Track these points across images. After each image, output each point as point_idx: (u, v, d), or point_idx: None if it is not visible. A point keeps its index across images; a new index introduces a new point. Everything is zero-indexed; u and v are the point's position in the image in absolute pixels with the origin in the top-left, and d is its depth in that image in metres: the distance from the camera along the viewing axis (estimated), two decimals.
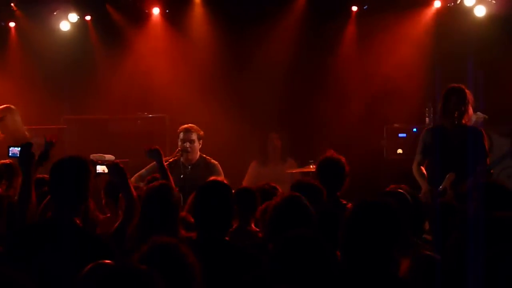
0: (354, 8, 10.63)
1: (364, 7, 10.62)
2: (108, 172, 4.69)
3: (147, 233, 4.40)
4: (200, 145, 7.79)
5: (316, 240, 3.49)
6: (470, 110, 7.12)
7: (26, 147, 4.68)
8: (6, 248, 4.20)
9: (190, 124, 7.85)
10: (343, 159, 6.05)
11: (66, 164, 4.33)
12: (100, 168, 5.25)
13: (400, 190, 4.92)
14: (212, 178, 5.62)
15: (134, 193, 4.62)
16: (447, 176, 6.89)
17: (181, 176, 7.55)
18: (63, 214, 4.18)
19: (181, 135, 7.79)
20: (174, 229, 4.63)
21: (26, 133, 8.50)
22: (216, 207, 4.43)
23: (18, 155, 4.76)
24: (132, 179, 7.44)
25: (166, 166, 6.00)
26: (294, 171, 9.33)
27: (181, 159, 7.73)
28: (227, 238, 4.46)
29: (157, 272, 2.71)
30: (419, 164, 7.21)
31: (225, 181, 4.77)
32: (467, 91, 7.09)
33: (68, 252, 2.76)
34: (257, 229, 5.32)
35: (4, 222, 4.55)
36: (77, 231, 4.14)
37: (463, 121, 7.08)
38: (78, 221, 4.22)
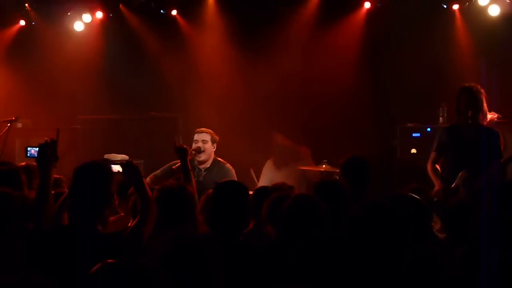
0: (367, 5, 10.60)
1: (378, 5, 10.59)
2: (123, 171, 4.68)
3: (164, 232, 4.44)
4: (214, 149, 7.79)
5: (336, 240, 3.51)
6: (486, 108, 7.09)
7: (44, 147, 4.69)
8: (27, 251, 4.21)
9: (205, 128, 7.90)
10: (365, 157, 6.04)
11: (89, 170, 4.33)
12: (115, 168, 5.24)
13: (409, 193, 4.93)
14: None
15: (149, 192, 4.62)
16: (459, 174, 6.89)
17: (195, 179, 7.56)
18: (86, 221, 4.18)
19: (195, 136, 7.82)
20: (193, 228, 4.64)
21: None
22: (230, 206, 4.44)
23: (35, 156, 4.76)
24: (147, 179, 7.48)
25: (190, 167, 6.06)
26: (306, 168, 9.34)
27: (195, 161, 7.73)
28: (241, 238, 4.46)
29: (161, 269, 2.72)
30: (434, 162, 7.21)
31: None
32: (480, 89, 7.07)
33: (90, 259, 2.77)
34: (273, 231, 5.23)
35: (19, 222, 4.55)
36: (99, 238, 4.13)
37: (479, 120, 7.05)
38: (100, 227, 4.23)
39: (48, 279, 2.69)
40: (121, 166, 4.68)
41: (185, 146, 6.19)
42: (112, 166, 5.21)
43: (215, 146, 7.80)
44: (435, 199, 6.81)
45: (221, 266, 3.24)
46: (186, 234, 3.31)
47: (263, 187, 5.89)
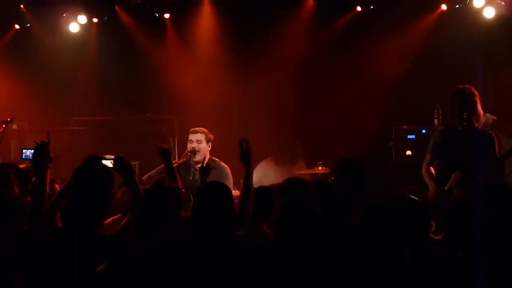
0: (358, 9, 10.62)
1: (371, 7, 10.61)
2: (114, 166, 4.65)
3: (145, 233, 4.42)
4: (209, 148, 7.78)
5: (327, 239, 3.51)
6: (480, 109, 7.08)
7: (39, 149, 4.68)
8: (26, 253, 4.21)
9: (199, 127, 7.88)
10: (359, 159, 5.93)
11: (88, 171, 4.33)
12: (106, 163, 5.19)
13: (408, 195, 4.92)
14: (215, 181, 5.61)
15: (140, 188, 4.59)
16: (453, 175, 6.89)
17: (190, 179, 7.56)
18: (85, 223, 4.18)
19: (190, 136, 7.82)
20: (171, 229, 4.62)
21: None
22: (211, 208, 4.42)
23: (30, 157, 4.76)
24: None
25: (174, 167, 5.99)
26: (303, 172, 9.35)
27: (191, 161, 7.74)
28: (228, 239, 4.45)
29: (160, 270, 2.72)
30: (428, 164, 7.19)
31: (227, 184, 4.78)
32: (474, 91, 7.06)
33: (89, 261, 2.77)
34: (269, 231, 5.07)
35: (15, 223, 4.55)
36: (98, 240, 4.13)
37: (474, 122, 7.04)
38: (99, 228, 4.23)
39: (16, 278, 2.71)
40: (113, 161, 4.65)
41: (167, 147, 6.06)
42: (104, 161, 5.12)
43: (210, 145, 7.79)
44: (431, 201, 6.81)
45: (202, 267, 3.22)
46: (167, 236, 3.27)
47: (262, 187, 5.82)
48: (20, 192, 5.38)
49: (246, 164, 5.56)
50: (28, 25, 11.10)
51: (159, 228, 4.44)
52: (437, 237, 5.20)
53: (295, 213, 4.26)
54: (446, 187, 6.88)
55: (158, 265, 2.98)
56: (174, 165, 6.89)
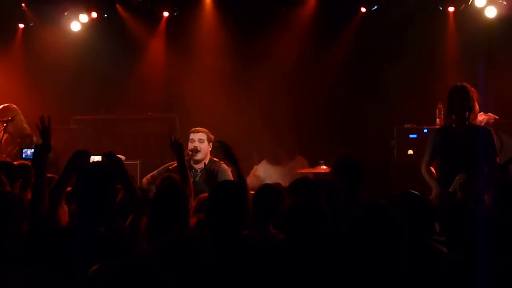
0: (363, 9, 10.63)
1: (374, 8, 10.60)
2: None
3: (157, 233, 4.42)
4: (210, 148, 7.78)
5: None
6: (477, 107, 7.07)
7: (39, 148, 4.68)
8: (27, 251, 4.20)
9: (200, 127, 7.88)
10: (359, 158, 5.94)
11: (92, 171, 4.31)
12: (95, 158, 5.16)
13: (412, 191, 4.90)
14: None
15: (134, 184, 4.56)
16: (457, 177, 6.84)
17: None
18: (88, 222, 4.17)
19: (191, 135, 7.82)
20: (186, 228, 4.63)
21: (29, 130, 8.60)
22: (227, 206, 4.43)
23: (31, 157, 4.75)
24: (144, 180, 7.48)
25: (187, 166, 5.96)
26: (305, 171, 9.34)
27: (191, 161, 7.72)
28: (240, 237, 4.46)
29: (166, 270, 2.71)
30: (428, 165, 7.15)
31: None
32: (470, 88, 7.04)
33: (90, 260, 2.77)
34: (275, 231, 5.04)
35: (15, 222, 4.54)
36: (100, 239, 4.12)
37: (471, 120, 7.03)
38: (102, 228, 4.21)
39: (52, 277, 2.69)
40: (102, 156, 4.62)
41: (180, 142, 6.03)
42: (93, 156, 5.09)
43: (211, 145, 7.79)
44: (436, 203, 6.76)
45: (215, 263, 3.22)
46: (180, 234, 3.28)
47: (266, 186, 5.78)
48: (13, 190, 5.35)
49: (233, 162, 5.71)
50: (31, 24, 11.08)
51: (174, 227, 4.46)
52: (441, 239, 5.19)
53: (306, 211, 4.27)
54: (450, 189, 6.83)
55: (168, 264, 2.98)
56: (173, 165, 6.88)
